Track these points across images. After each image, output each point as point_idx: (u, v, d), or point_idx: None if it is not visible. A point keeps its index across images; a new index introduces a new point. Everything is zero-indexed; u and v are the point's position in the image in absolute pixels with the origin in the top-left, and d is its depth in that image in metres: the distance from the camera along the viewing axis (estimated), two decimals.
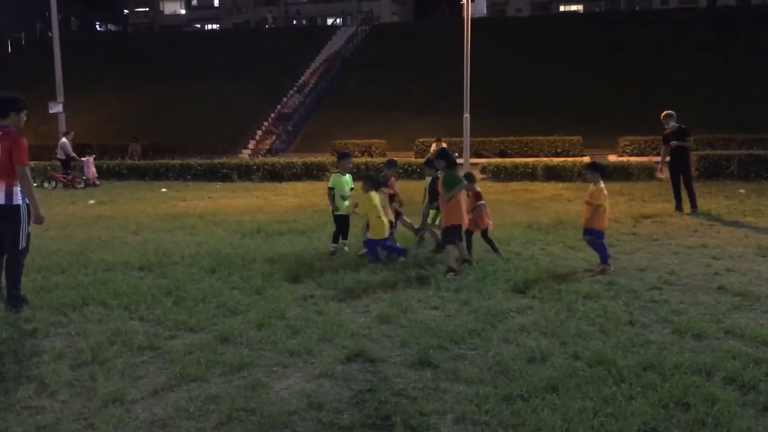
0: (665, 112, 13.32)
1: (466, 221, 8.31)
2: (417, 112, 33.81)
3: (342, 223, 9.35)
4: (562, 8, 68.15)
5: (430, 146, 27.59)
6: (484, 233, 9.04)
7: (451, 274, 7.76)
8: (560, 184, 18.79)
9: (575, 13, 45.61)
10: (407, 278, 7.63)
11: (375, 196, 8.89)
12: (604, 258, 8.09)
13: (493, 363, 4.95)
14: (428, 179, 9.73)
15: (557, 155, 27.06)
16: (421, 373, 4.83)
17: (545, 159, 22.91)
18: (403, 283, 7.43)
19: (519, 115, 32.13)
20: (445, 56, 35.04)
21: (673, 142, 12.94)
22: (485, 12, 51.83)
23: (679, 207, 12.85)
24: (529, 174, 20.26)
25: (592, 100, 32.70)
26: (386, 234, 8.81)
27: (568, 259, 8.75)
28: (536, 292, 6.95)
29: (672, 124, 13.10)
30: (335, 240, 9.32)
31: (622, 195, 15.70)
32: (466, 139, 22.54)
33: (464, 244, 8.44)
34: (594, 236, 8.13)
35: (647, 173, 19.20)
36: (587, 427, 3.85)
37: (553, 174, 20.11)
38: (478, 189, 9.09)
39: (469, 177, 9.08)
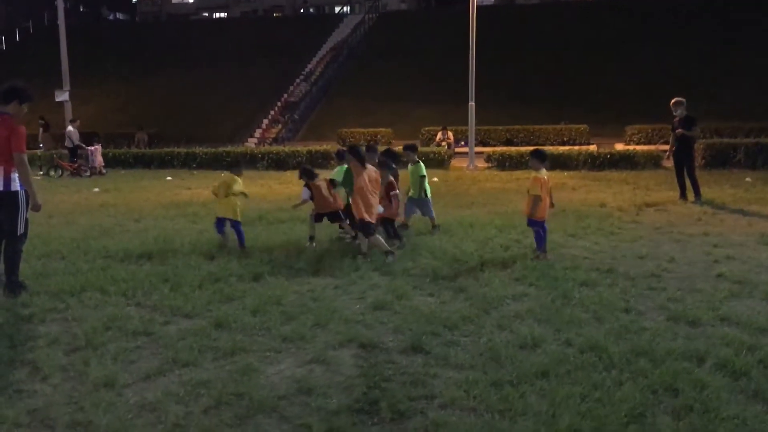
0: (674, 99, 13.08)
1: (373, 213, 8.23)
2: (423, 100, 33.68)
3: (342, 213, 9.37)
4: None
5: (435, 135, 27.54)
6: (387, 221, 8.98)
7: (390, 256, 7.91)
8: (565, 173, 18.69)
9: (584, 0, 45.11)
10: (405, 267, 7.62)
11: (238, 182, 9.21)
12: (539, 245, 8.11)
13: (484, 349, 4.95)
14: (411, 167, 9.95)
15: (564, 144, 26.90)
16: (412, 358, 4.83)
17: (551, 148, 22.76)
18: (401, 271, 7.43)
19: (526, 104, 31.96)
20: (451, 45, 34.84)
21: (679, 131, 12.80)
22: (492, 0, 51.51)
23: (683, 195, 12.76)
24: None
25: (599, 88, 32.47)
26: (227, 215, 9.00)
27: (567, 246, 8.72)
28: (533, 280, 6.93)
29: (680, 111, 12.92)
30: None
31: (627, 183, 15.62)
32: (472, 127, 22.40)
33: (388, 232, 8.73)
34: (534, 226, 8.15)
35: (653, 162, 19.07)
36: (573, 412, 3.84)
37: (558, 163, 19.96)
38: (392, 179, 9.02)
39: (387, 165, 9.08)
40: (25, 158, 6.42)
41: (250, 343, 5.18)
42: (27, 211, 6.56)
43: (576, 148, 22.50)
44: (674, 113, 13.01)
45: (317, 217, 9.20)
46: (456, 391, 4.20)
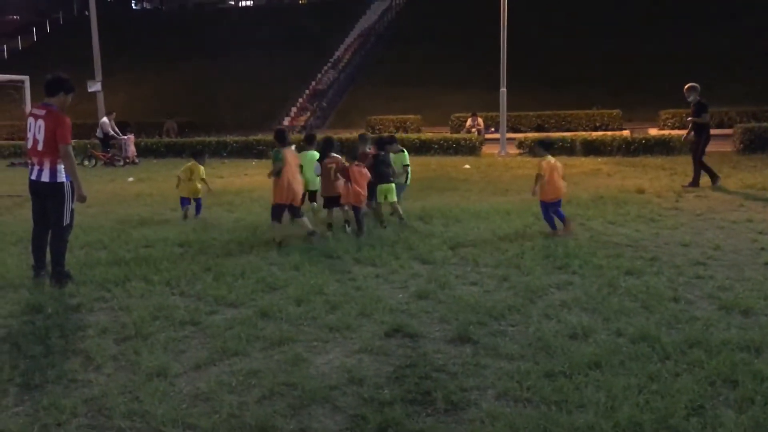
0: (687, 85, 13.02)
1: (285, 198, 8.47)
2: (452, 86, 33.47)
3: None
4: None
5: (465, 121, 27.35)
6: (331, 201, 9.27)
7: (315, 237, 8.42)
8: (599, 159, 18.46)
9: None
10: (445, 255, 7.58)
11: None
12: (552, 225, 8.73)
13: (533, 339, 4.89)
14: (394, 156, 10.15)
15: (596, 129, 26.52)
16: (460, 348, 4.80)
17: (583, 133, 22.48)
18: (441, 260, 7.39)
19: (557, 89, 31.58)
20: (480, 30, 34.50)
21: (690, 118, 12.75)
22: None
23: (714, 181, 12.52)
24: (567, 148, 19.92)
25: (632, 72, 31.93)
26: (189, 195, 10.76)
27: (608, 234, 8.60)
28: (576, 268, 6.85)
29: (692, 97, 12.80)
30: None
31: (663, 170, 15.37)
32: (503, 113, 22.19)
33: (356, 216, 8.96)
34: (542, 207, 8.81)
35: (689, 147, 18.68)
36: (632, 403, 3.78)
37: (592, 148, 19.77)
38: (347, 164, 9.08)
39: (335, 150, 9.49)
40: (71, 150, 6.48)
41: (297, 332, 5.18)
42: (73, 201, 6.63)
43: (609, 133, 22.17)
44: (687, 99, 12.91)
45: (327, 203, 9.37)
46: (508, 382, 4.15)
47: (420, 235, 8.70)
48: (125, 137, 22.65)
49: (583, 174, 15.39)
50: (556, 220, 8.75)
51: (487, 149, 21.79)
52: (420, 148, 21.24)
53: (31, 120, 6.54)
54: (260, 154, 22.64)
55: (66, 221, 6.60)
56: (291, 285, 6.47)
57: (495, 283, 6.45)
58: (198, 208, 10.80)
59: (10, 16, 72.25)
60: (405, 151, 10.66)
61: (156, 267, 7.18)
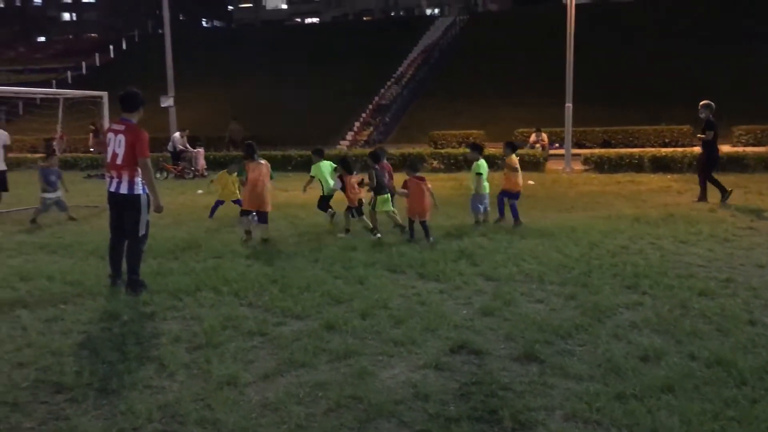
0: (702, 102, 13.19)
1: (251, 204, 9.80)
2: (516, 101, 33.20)
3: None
4: None
5: (529, 136, 27.07)
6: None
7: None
8: (669, 176, 17.99)
9: None
10: (509, 272, 7.52)
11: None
12: (501, 212, 10.89)
13: (602, 360, 4.80)
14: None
15: (665, 145, 25.84)
16: (527, 367, 4.75)
17: (652, 149, 21.94)
18: (506, 276, 7.33)
19: (623, 104, 30.91)
20: (544, 44, 34.19)
21: (699, 135, 13.06)
22: None
23: (724, 196, 12.60)
24: (635, 165, 19.51)
25: (702, 86, 30.90)
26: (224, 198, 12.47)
27: (680, 254, 8.36)
28: (647, 288, 6.69)
29: (704, 114, 12.97)
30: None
31: (737, 187, 14.83)
32: (568, 129, 21.84)
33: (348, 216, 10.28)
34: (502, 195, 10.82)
35: (764, 165, 18.07)
36: (707, 430, 3.67)
37: (661, 165, 19.27)
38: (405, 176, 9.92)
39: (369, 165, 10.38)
40: (149, 162, 6.75)
41: (362, 346, 5.22)
42: (148, 213, 6.89)
43: (680, 149, 21.57)
44: (700, 115, 13.16)
45: (353, 212, 10.30)
46: (577, 403, 4.09)
47: (484, 251, 8.66)
48: (195, 150, 23.33)
49: (652, 191, 15.03)
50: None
51: (551, 165, 21.51)
52: None
53: (111, 135, 6.84)
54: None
55: (141, 232, 6.86)
56: (356, 298, 6.53)
57: (561, 302, 6.36)
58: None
59: (89, 35, 75.73)
60: (481, 161, 10.85)
61: (225, 278, 7.36)
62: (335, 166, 11.34)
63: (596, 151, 22.58)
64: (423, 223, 9.55)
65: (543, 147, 25.42)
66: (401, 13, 69.82)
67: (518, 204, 10.88)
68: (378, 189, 9.98)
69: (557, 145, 25.90)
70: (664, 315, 5.81)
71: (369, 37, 45.42)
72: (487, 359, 4.92)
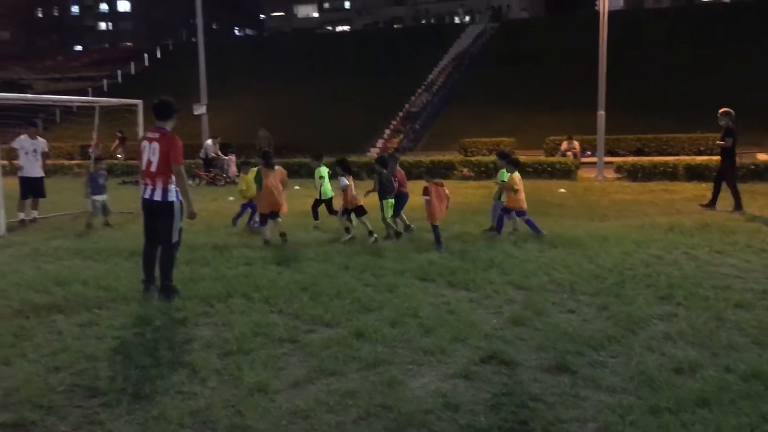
0: (721, 110, 13.27)
1: (266, 207, 10.29)
2: (547, 109, 32.97)
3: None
4: None
5: (560, 144, 26.84)
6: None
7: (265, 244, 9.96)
8: (703, 185, 17.62)
9: (719, 2, 42.35)
10: (540, 281, 7.45)
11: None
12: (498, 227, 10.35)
13: (636, 372, 4.73)
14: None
15: (700, 154, 25.42)
16: (558, 378, 4.70)
17: (686, 158, 21.59)
18: (536, 286, 7.27)
19: (657, 112, 30.51)
20: (576, 52, 33.94)
21: (717, 141, 13.11)
22: (621, 4, 49.68)
23: (710, 205, 12.98)
24: (669, 173, 19.22)
25: (737, 93, 30.42)
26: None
27: (715, 264, 8.21)
28: (681, 299, 6.58)
29: (724, 122, 13.07)
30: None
31: None
32: (600, 136, 21.61)
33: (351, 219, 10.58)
34: (504, 212, 10.32)
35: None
36: None
37: (696, 174, 18.95)
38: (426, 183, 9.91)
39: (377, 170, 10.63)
40: (183, 169, 6.85)
41: (392, 354, 5.22)
42: (182, 219, 6.98)
43: (715, 158, 21.16)
44: (720, 123, 13.23)
45: (345, 212, 10.68)
46: (610, 416, 4.03)
47: (515, 260, 8.60)
48: (227, 158, 23.58)
49: (687, 200, 14.80)
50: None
51: (583, 173, 21.30)
52: None
53: (145, 143, 6.95)
54: (355, 176, 22.95)
55: (174, 238, 6.95)
56: (385, 307, 6.53)
57: (593, 312, 6.29)
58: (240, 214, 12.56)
59: (125, 44, 77.18)
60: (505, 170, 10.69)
61: (256, 284, 7.41)
62: (329, 171, 12.03)
63: (629, 159, 22.32)
64: (435, 228, 9.63)
65: (575, 155, 25.19)
66: (432, 21, 69.84)
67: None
68: (382, 194, 10.28)
69: (589, 153, 25.65)
70: (698, 327, 5.71)
71: (399, 45, 45.55)
72: (517, 370, 4.88)
